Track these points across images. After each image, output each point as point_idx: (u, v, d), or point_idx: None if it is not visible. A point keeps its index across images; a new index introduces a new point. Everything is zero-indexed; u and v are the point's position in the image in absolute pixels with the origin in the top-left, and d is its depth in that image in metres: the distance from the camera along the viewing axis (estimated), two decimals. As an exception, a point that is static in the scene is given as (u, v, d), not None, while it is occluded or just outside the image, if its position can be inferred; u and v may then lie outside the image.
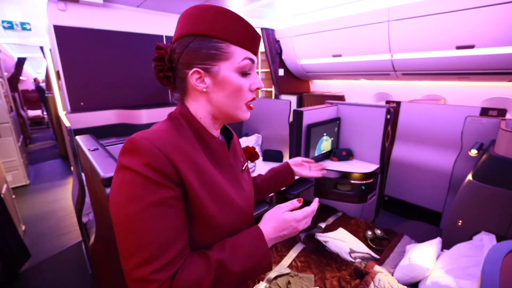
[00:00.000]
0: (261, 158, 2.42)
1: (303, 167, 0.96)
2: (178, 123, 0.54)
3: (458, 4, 1.93)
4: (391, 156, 2.56)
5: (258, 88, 0.57)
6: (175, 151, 0.48)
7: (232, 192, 0.58)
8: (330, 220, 2.06)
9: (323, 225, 1.99)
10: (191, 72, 0.52)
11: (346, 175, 2.16)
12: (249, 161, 1.97)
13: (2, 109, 3.16)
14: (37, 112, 7.27)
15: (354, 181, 2.14)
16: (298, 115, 2.04)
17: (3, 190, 2.05)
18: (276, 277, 1.41)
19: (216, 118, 0.57)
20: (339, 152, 2.34)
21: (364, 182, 2.14)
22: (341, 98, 3.44)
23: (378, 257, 1.65)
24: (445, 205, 2.13)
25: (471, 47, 2.09)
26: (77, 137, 1.31)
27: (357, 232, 1.88)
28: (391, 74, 2.86)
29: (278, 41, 3.49)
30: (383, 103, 3.29)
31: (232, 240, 0.52)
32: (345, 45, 2.87)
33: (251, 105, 0.58)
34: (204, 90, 0.54)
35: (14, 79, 5.22)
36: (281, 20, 3.22)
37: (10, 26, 2.86)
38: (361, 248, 1.70)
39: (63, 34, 1.93)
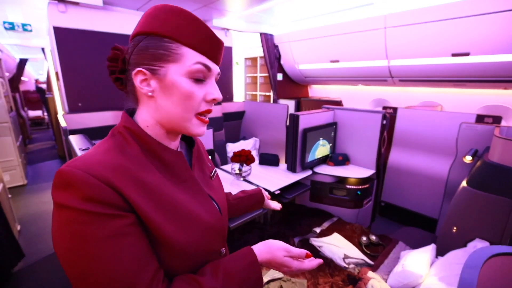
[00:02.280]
0: (257, 161, 2.42)
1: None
2: (121, 139, 0.48)
3: (454, 12, 1.96)
4: (387, 161, 2.56)
5: (214, 100, 0.50)
6: (116, 174, 0.42)
7: (197, 208, 0.52)
8: (325, 225, 2.06)
9: (318, 230, 1.98)
10: (134, 72, 0.47)
11: (342, 180, 2.16)
12: (244, 164, 1.98)
13: (2, 109, 3.18)
14: (38, 113, 7.30)
15: (350, 186, 2.14)
16: (294, 119, 2.04)
17: (-1, 190, 2.04)
18: (268, 282, 1.40)
19: (165, 128, 0.51)
20: (336, 157, 2.34)
21: (360, 187, 2.14)
22: (338, 103, 3.45)
23: (372, 263, 1.64)
24: (441, 212, 2.12)
25: (466, 54, 2.10)
26: (70, 137, 1.32)
27: (352, 237, 1.87)
28: (388, 80, 2.88)
29: (276, 46, 3.52)
30: (380, 109, 3.30)
31: (226, 266, 0.49)
32: (342, 51, 2.90)
33: (205, 119, 0.51)
34: (150, 94, 0.48)
35: (15, 80, 5.25)
36: (279, 25, 3.26)
37: (11, 27, 2.90)
38: (356, 253, 1.69)
39: (63, 36, 1.95)
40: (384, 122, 2.12)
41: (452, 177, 1.98)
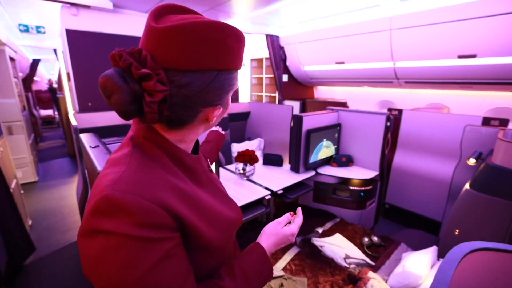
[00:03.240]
0: (261, 161, 2.45)
1: None
2: (146, 148, 0.46)
3: (460, 14, 1.95)
4: (392, 163, 2.56)
5: None
6: (165, 191, 0.41)
7: (223, 208, 0.54)
8: (328, 225, 2.07)
9: (320, 230, 2.00)
10: (213, 108, 0.47)
11: (345, 181, 2.17)
12: (248, 164, 2.01)
13: (15, 108, 3.29)
14: (49, 112, 7.50)
15: (353, 187, 2.15)
16: (297, 120, 2.07)
17: (13, 185, 2.13)
18: (269, 279, 1.43)
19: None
20: (339, 158, 2.35)
21: (363, 188, 2.14)
22: (344, 105, 3.45)
23: (373, 263, 1.65)
24: (445, 214, 2.11)
25: (473, 56, 2.09)
26: (81, 135, 1.38)
27: (354, 238, 1.88)
28: (394, 82, 2.87)
29: (282, 48, 3.54)
30: (386, 110, 3.29)
31: (241, 265, 0.52)
32: (348, 52, 2.91)
33: None
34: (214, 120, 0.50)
35: (28, 80, 5.42)
36: (285, 27, 3.28)
37: (26, 29, 3.01)
38: (357, 254, 1.71)
39: (75, 38, 2.02)
40: (388, 123, 2.12)
41: (456, 179, 1.97)
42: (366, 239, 1.84)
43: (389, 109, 2.86)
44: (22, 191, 2.50)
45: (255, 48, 4.54)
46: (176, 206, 0.41)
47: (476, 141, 1.82)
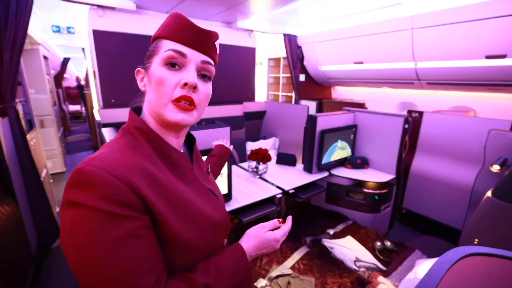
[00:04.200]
0: (275, 160, 2.46)
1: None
2: (133, 138, 0.50)
3: (488, 12, 1.85)
4: (410, 167, 2.48)
5: (186, 84, 0.49)
6: (134, 173, 0.43)
7: (204, 207, 0.54)
8: (339, 227, 2.05)
9: (331, 231, 1.98)
10: (135, 72, 0.54)
11: (359, 183, 2.13)
12: (261, 163, 2.03)
13: (47, 103, 3.54)
14: (77, 107, 7.95)
15: (367, 190, 2.10)
16: (311, 120, 2.06)
17: (43, 175, 2.30)
18: (277, 277, 1.45)
19: (158, 122, 0.53)
20: (354, 160, 2.31)
21: (378, 191, 2.09)
22: (361, 105, 3.38)
23: (384, 268, 1.62)
24: (465, 223, 2.01)
25: (503, 56, 1.97)
26: (103, 129, 1.47)
27: (366, 241, 1.85)
28: (415, 83, 2.77)
29: (300, 47, 3.52)
30: (406, 112, 3.18)
31: (216, 262, 0.52)
32: (366, 52, 2.84)
33: (182, 104, 0.49)
34: (143, 88, 0.53)
35: (59, 77, 5.77)
36: (303, 26, 3.26)
37: (58, 30, 3.22)
38: (368, 258, 1.68)
39: (100, 38, 2.14)
40: (406, 126, 2.06)
41: (478, 186, 1.87)
42: (378, 244, 1.80)
43: (409, 111, 2.77)
44: (51, 180, 2.69)
45: (272, 48, 4.54)
46: (143, 189, 0.43)
47: (501, 147, 1.72)
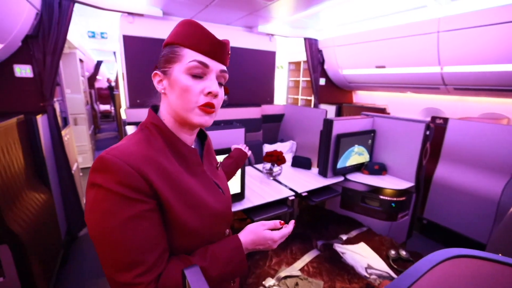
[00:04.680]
0: (289, 163, 2.48)
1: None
2: (149, 133, 0.56)
3: (521, 15, 1.74)
4: (433, 176, 2.37)
5: (210, 93, 0.55)
6: (145, 163, 0.50)
7: (208, 198, 0.59)
8: (353, 233, 2.01)
9: (344, 237, 1.96)
10: (152, 74, 0.59)
11: (376, 190, 2.08)
12: (275, 164, 2.06)
13: (81, 102, 3.83)
14: (107, 107, 8.47)
15: (384, 197, 2.05)
16: (327, 124, 2.05)
17: (74, 168, 2.50)
18: (285, 277, 1.46)
19: (177, 121, 0.58)
20: (371, 166, 2.26)
21: (395, 199, 2.03)
22: (382, 110, 3.28)
23: (398, 278, 1.57)
24: (490, 236, 1.89)
25: (538, 61, 1.85)
26: (127, 127, 1.58)
27: (380, 249, 1.80)
28: (441, 88, 2.65)
29: (320, 51, 3.51)
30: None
31: (214, 249, 0.57)
32: (389, 56, 2.77)
33: (209, 109, 0.56)
34: (163, 91, 0.58)
35: (92, 78, 6.21)
36: (324, 30, 3.25)
37: (92, 35, 3.49)
38: (380, 265, 1.64)
39: (130, 43, 2.30)
40: (428, 132, 1.98)
41: (505, 198, 1.75)
42: (393, 252, 1.75)
43: (433, 117, 2.65)
44: (81, 174, 2.90)
45: (293, 52, 4.56)
46: (152, 177, 0.50)
47: (532, 157, 1.61)
